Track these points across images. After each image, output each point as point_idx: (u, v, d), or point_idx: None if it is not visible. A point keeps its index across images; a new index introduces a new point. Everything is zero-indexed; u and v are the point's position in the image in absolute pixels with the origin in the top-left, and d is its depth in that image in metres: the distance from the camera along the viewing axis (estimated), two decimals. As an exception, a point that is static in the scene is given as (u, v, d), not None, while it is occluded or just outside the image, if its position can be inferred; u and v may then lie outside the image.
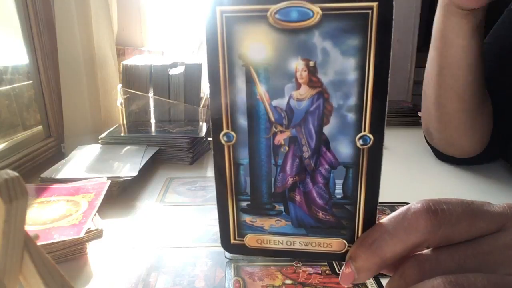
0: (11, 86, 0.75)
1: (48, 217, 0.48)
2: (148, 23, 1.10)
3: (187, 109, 0.87)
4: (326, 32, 0.18)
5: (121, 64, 0.87)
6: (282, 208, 0.21)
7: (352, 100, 0.19)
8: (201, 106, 0.89)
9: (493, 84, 0.66)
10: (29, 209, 0.49)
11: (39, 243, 0.21)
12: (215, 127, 0.20)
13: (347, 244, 0.22)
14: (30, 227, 0.45)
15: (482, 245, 0.20)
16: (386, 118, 0.19)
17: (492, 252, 0.20)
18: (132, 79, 0.87)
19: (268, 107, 0.19)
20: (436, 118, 0.67)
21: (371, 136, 0.19)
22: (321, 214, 0.21)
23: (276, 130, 0.20)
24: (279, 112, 0.19)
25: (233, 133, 0.20)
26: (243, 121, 0.20)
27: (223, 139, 0.20)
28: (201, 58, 0.93)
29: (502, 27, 0.68)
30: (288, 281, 0.41)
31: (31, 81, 0.78)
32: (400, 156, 0.78)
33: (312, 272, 0.42)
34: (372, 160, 0.20)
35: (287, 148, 0.20)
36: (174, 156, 0.76)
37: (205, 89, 0.92)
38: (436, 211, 0.20)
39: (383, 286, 0.40)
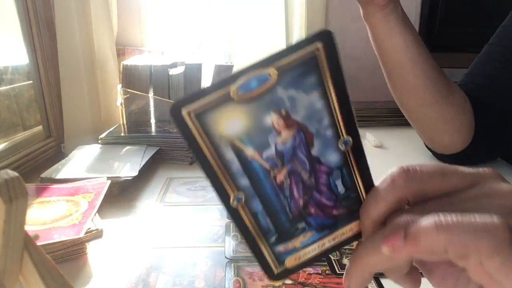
0: (11, 86, 0.75)
1: (48, 217, 0.48)
2: (148, 23, 1.10)
3: (187, 109, 0.87)
4: (286, 84, 0.20)
5: (121, 64, 0.87)
6: (304, 224, 0.24)
7: (326, 120, 0.22)
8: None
9: (497, 85, 0.66)
10: (29, 209, 0.49)
11: (39, 243, 0.21)
12: (223, 198, 0.21)
13: None
14: (30, 227, 0.45)
15: (452, 198, 0.22)
16: (356, 119, 0.22)
17: (460, 203, 0.22)
18: (132, 79, 0.86)
19: (261, 161, 0.21)
20: (408, 119, 0.69)
21: (349, 137, 0.23)
22: (334, 211, 0.24)
23: (274, 174, 0.22)
24: (271, 159, 0.22)
25: (240, 194, 0.22)
26: (245, 181, 0.22)
27: (234, 204, 0.22)
28: (201, 57, 0.93)
29: (507, 29, 0.68)
30: (288, 281, 0.41)
31: (31, 81, 0.77)
32: (400, 156, 0.78)
33: (312, 272, 0.42)
34: (357, 154, 0.23)
35: (289, 181, 0.22)
36: (174, 156, 0.76)
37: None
38: (408, 169, 0.23)
39: (383, 286, 0.40)
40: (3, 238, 0.19)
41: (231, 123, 0.20)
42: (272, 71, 0.20)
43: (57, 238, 0.43)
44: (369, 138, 0.85)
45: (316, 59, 0.20)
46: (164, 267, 0.43)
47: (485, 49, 0.71)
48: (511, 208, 0.21)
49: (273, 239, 0.23)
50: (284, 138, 0.21)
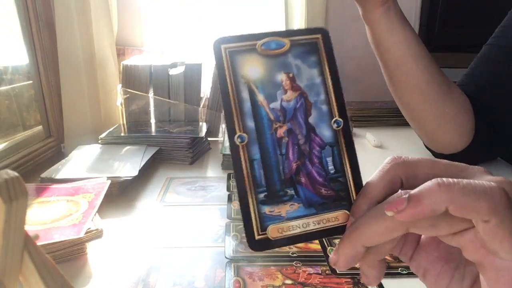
0: (11, 86, 0.75)
1: (48, 217, 0.48)
2: (148, 23, 1.10)
3: (187, 109, 0.87)
4: (296, 54, 0.26)
5: (121, 64, 0.87)
6: (293, 192, 0.26)
7: (322, 96, 0.26)
8: (201, 106, 0.89)
9: (495, 85, 0.66)
10: (29, 209, 0.49)
11: (39, 243, 0.21)
12: (230, 132, 0.25)
13: (349, 214, 0.26)
14: (30, 227, 0.45)
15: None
16: (346, 106, 0.26)
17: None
18: (132, 79, 0.86)
19: (267, 109, 0.26)
20: (409, 119, 0.69)
21: (340, 119, 0.26)
22: (323, 190, 0.26)
23: (276, 126, 0.26)
24: (276, 112, 0.26)
25: (244, 134, 0.25)
26: (251, 124, 0.25)
27: (237, 141, 0.25)
28: (201, 57, 0.93)
29: (505, 29, 0.68)
30: (288, 281, 0.41)
31: (31, 81, 0.77)
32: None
33: (312, 272, 0.42)
34: (346, 136, 0.26)
35: (287, 139, 0.26)
36: (174, 156, 0.76)
37: (205, 89, 0.92)
38: (400, 156, 0.25)
39: (383, 287, 0.40)
40: (3, 238, 0.19)
41: (252, 68, 0.26)
42: (286, 41, 0.26)
43: (57, 238, 0.43)
44: (369, 138, 0.85)
45: (317, 45, 0.27)
46: (164, 267, 0.43)
47: (483, 50, 0.71)
48: (501, 182, 0.22)
49: (262, 196, 0.25)
50: (289, 97, 0.26)
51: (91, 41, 0.87)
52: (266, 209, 0.25)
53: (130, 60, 0.90)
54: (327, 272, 0.43)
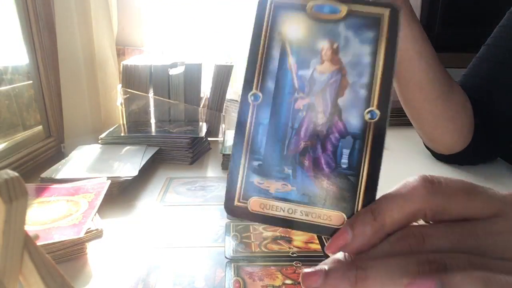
0: (11, 86, 0.75)
1: (48, 217, 0.48)
2: (148, 23, 1.10)
3: (187, 109, 0.87)
4: (349, 25, 0.23)
5: (121, 64, 0.87)
6: (290, 172, 0.23)
7: (365, 79, 0.23)
8: (201, 106, 0.89)
9: (493, 86, 0.66)
10: (29, 209, 0.49)
11: (39, 243, 0.21)
12: (246, 87, 0.23)
13: (345, 219, 0.22)
14: (30, 227, 0.45)
15: (477, 228, 0.21)
16: (391, 98, 0.22)
17: (486, 236, 0.21)
18: (132, 79, 0.86)
19: (294, 75, 0.23)
20: (410, 116, 0.68)
21: (378, 111, 0.22)
22: (325, 183, 0.23)
23: (297, 96, 0.23)
24: (303, 81, 0.23)
25: (260, 94, 0.23)
26: (270, 84, 0.23)
27: (250, 99, 0.23)
28: (201, 57, 0.93)
29: (503, 29, 0.68)
30: (288, 281, 0.41)
31: (31, 81, 0.77)
32: (400, 156, 0.78)
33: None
34: (377, 134, 0.22)
35: (304, 114, 0.23)
36: (174, 156, 0.76)
37: (205, 89, 0.92)
38: (432, 181, 0.21)
39: None
40: (3, 238, 0.19)
41: (293, 27, 0.23)
42: (343, 8, 0.23)
43: (57, 238, 0.43)
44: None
45: (380, 21, 0.23)
46: (164, 267, 0.43)
47: (482, 50, 0.71)
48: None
49: (255, 163, 0.23)
50: (324, 68, 0.23)
51: (91, 41, 0.87)
52: (256, 179, 0.23)
53: (130, 60, 0.90)
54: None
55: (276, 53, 0.23)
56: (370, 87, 0.22)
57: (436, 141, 0.70)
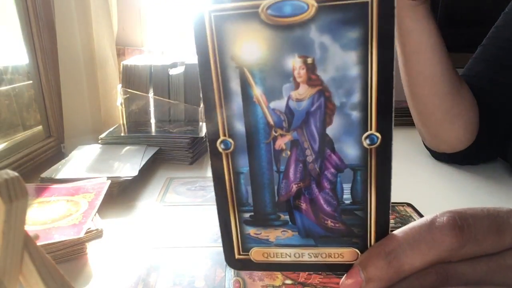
0: (11, 86, 0.75)
1: (48, 217, 0.48)
2: (148, 23, 1.10)
3: (187, 109, 0.87)
4: (324, 26, 0.16)
5: (121, 64, 0.87)
6: (287, 217, 0.20)
7: (356, 97, 0.18)
8: (201, 106, 0.89)
9: (490, 85, 0.66)
10: (29, 209, 0.49)
11: (39, 243, 0.21)
12: (211, 135, 0.19)
13: (359, 254, 0.20)
14: (30, 227, 0.45)
15: (506, 259, 0.20)
16: (393, 114, 0.18)
17: None
18: (132, 79, 0.87)
19: (266, 110, 0.18)
20: (414, 111, 0.68)
21: (378, 134, 0.19)
22: (329, 222, 0.20)
23: (276, 134, 0.18)
24: (278, 114, 0.18)
25: (230, 140, 0.19)
26: (240, 127, 0.18)
27: (220, 147, 0.19)
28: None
29: (499, 29, 0.68)
30: (288, 281, 0.41)
31: (31, 81, 0.77)
32: (400, 156, 0.78)
33: (312, 272, 0.42)
34: (381, 160, 0.19)
35: (289, 153, 0.19)
36: (174, 156, 0.76)
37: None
38: (462, 227, 0.19)
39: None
40: (3, 238, 0.19)
41: (248, 45, 0.17)
42: (311, 2, 0.16)
43: (57, 238, 0.43)
44: (369, 138, 0.85)
45: (367, 8, 0.16)
46: (164, 267, 0.43)
47: (478, 50, 0.71)
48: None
49: (247, 215, 0.20)
50: (301, 94, 0.17)
51: (91, 41, 0.87)
52: (251, 231, 0.21)
53: (130, 60, 0.90)
54: (327, 272, 0.42)
55: (235, 86, 0.18)
56: (364, 106, 0.18)
57: (440, 138, 0.69)
